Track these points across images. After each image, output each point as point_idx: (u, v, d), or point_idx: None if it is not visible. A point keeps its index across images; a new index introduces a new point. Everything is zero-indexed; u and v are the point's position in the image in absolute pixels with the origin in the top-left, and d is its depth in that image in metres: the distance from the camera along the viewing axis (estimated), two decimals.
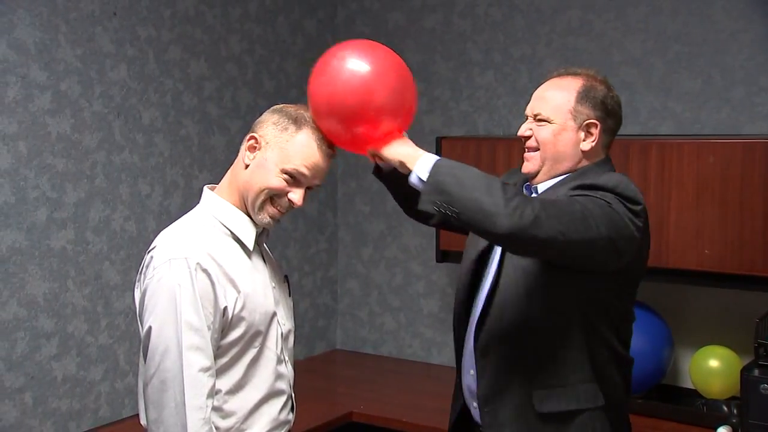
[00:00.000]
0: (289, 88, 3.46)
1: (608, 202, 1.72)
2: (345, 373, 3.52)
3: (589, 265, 1.74)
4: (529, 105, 1.91)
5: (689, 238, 2.60)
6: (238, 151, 1.79)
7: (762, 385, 2.36)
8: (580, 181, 1.80)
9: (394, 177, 1.91)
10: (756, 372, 2.39)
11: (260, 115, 1.80)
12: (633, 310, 1.92)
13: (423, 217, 2.14)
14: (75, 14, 2.62)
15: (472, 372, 1.93)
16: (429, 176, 1.65)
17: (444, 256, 3.14)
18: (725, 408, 2.72)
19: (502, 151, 2.94)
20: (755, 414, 2.37)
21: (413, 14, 3.51)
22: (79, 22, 2.63)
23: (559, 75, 1.91)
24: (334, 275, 3.78)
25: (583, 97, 1.84)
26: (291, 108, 1.76)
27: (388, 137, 1.74)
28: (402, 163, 1.73)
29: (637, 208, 1.75)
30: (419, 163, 1.68)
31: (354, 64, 1.70)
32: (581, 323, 1.81)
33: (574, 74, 1.89)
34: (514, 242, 1.68)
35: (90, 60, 2.67)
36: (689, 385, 2.90)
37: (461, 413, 2.03)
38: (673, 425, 2.68)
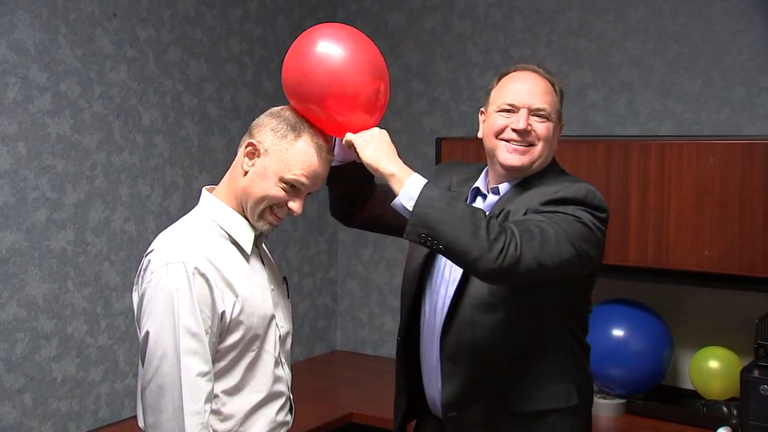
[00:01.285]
0: None
1: (578, 217, 1.75)
2: (345, 374, 3.52)
3: (562, 279, 1.77)
4: (519, 97, 1.86)
5: (689, 239, 2.60)
6: (237, 153, 1.78)
7: (762, 386, 2.36)
8: (551, 196, 1.78)
9: (341, 178, 1.90)
10: (756, 373, 2.39)
11: (260, 116, 1.79)
12: (591, 308, 1.96)
13: (343, 218, 2.08)
14: (75, 15, 2.62)
15: (438, 378, 1.89)
16: (415, 206, 1.64)
17: None
18: (725, 409, 2.71)
19: None
20: (755, 415, 2.37)
21: (413, 15, 3.51)
22: (79, 23, 2.63)
23: (536, 72, 1.90)
24: (334, 276, 3.78)
25: (561, 98, 1.92)
26: (289, 111, 1.74)
27: (362, 125, 1.73)
28: (383, 178, 1.71)
29: (603, 215, 1.81)
30: (406, 189, 1.67)
31: (325, 48, 1.69)
32: (555, 325, 1.84)
33: (545, 75, 1.91)
34: (494, 281, 1.72)
35: (90, 61, 2.67)
36: (689, 386, 2.90)
37: (419, 409, 2.02)
38: (673, 426, 2.68)
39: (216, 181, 1.85)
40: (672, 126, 2.99)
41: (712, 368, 2.75)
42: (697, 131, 2.95)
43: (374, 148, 1.71)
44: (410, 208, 1.65)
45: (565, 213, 1.75)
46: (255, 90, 3.31)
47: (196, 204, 1.80)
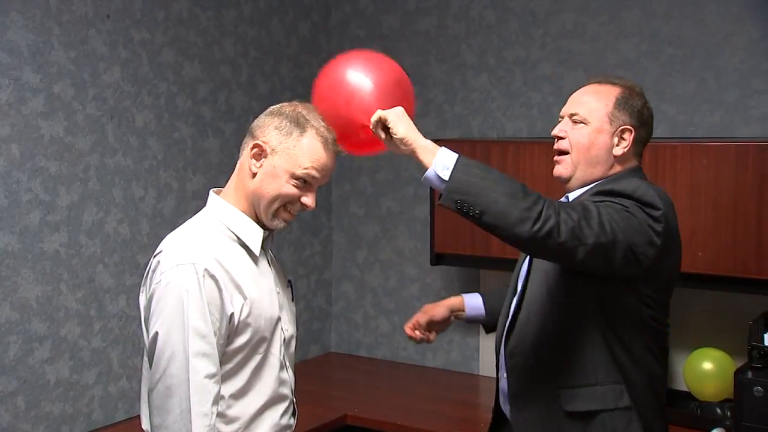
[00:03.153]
0: (283, 90, 3.46)
1: (626, 207, 1.75)
2: (339, 376, 3.52)
3: (608, 271, 1.76)
4: (564, 107, 1.95)
5: (683, 241, 2.57)
6: (232, 154, 1.78)
7: (755, 388, 2.37)
8: (601, 187, 1.83)
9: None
10: (749, 374, 2.40)
11: (254, 117, 1.79)
12: (663, 318, 1.89)
13: None
14: (68, 17, 2.61)
15: (505, 375, 1.97)
16: (453, 173, 1.67)
17: (438, 258, 3.14)
18: (719, 410, 2.72)
19: (497, 154, 2.94)
20: (749, 416, 2.37)
21: (407, 17, 3.51)
22: (73, 25, 2.62)
23: (598, 82, 1.94)
24: (329, 278, 3.78)
25: (621, 103, 1.89)
26: (288, 108, 1.75)
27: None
28: (413, 153, 1.73)
29: (656, 213, 1.76)
30: (439, 159, 1.70)
31: (357, 79, 1.74)
32: (603, 327, 1.83)
33: (613, 83, 1.93)
34: (532, 248, 1.73)
35: (83, 62, 2.66)
36: (683, 388, 2.90)
37: (498, 416, 2.07)
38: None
39: (210, 183, 1.85)
40: (666, 128, 2.99)
41: (706, 370, 2.75)
42: (691, 133, 2.95)
43: (406, 124, 1.74)
44: (445, 177, 1.68)
45: (611, 201, 1.76)
46: (249, 92, 3.31)
47: (190, 206, 1.81)
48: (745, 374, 2.40)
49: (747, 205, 2.51)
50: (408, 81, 1.86)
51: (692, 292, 2.89)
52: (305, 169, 1.69)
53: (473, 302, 2.20)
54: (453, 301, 2.21)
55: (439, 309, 2.18)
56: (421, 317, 2.18)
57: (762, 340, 2.43)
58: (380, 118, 1.73)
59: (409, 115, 1.77)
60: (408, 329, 2.19)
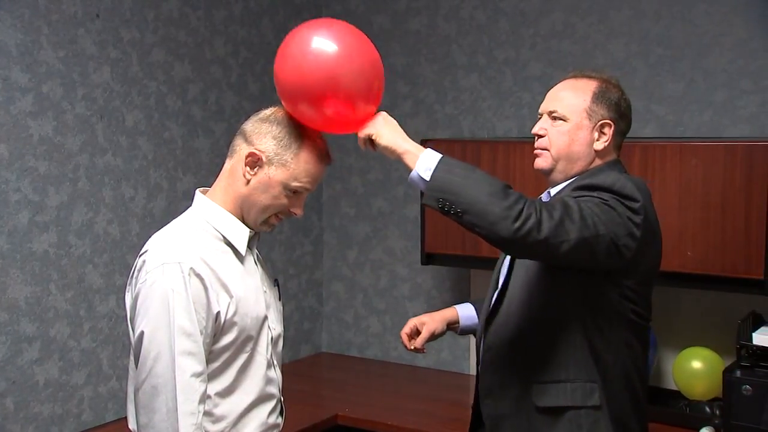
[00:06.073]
0: (273, 90, 3.41)
1: (605, 200, 1.76)
2: (330, 376, 3.52)
3: (591, 265, 1.77)
4: (542, 104, 1.94)
5: (672, 241, 2.61)
6: (222, 154, 1.78)
7: (744, 386, 2.38)
8: (579, 182, 1.84)
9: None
10: (738, 373, 2.41)
11: (245, 117, 1.79)
12: (645, 312, 1.91)
13: None
14: (57, 16, 2.60)
15: (482, 368, 1.99)
16: (434, 172, 1.67)
17: (429, 258, 3.14)
18: (708, 409, 2.73)
19: (487, 154, 2.94)
20: (738, 415, 2.39)
21: (398, 17, 3.51)
22: (62, 24, 2.61)
23: (574, 77, 1.94)
24: (320, 278, 3.77)
25: (599, 97, 1.88)
26: (282, 114, 1.75)
27: (365, 119, 1.73)
28: (399, 158, 1.73)
29: (635, 205, 1.77)
30: (422, 161, 1.69)
31: (319, 44, 1.67)
32: (584, 323, 1.83)
33: (589, 76, 1.93)
34: (513, 247, 1.72)
35: (72, 62, 2.65)
36: (672, 387, 2.91)
37: (477, 414, 2.06)
38: (657, 426, 2.69)
39: (200, 183, 1.85)
40: (655, 128, 3.00)
41: (695, 369, 2.76)
42: (680, 133, 2.97)
43: (390, 131, 1.73)
44: (426, 178, 1.68)
45: (590, 196, 1.77)
46: (240, 92, 3.30)
47: (181, 206, 1.81)
48: (734, 373, 2.42)
49: (735, 204, 2.52)
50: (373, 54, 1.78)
51: (681, 292, 2.91)
52: (301, 182, 1.71)
53: (466, 312, 2.19)
54: (448, 314, 2.19)
55: (438, 324, 2.15)
56: (420, 326, 2.14)
57: (750, 339, 2.45)
58: (365, 136, 1.74)
59: (377, 85, 1.72)
60: (405, 340, 2.15)
